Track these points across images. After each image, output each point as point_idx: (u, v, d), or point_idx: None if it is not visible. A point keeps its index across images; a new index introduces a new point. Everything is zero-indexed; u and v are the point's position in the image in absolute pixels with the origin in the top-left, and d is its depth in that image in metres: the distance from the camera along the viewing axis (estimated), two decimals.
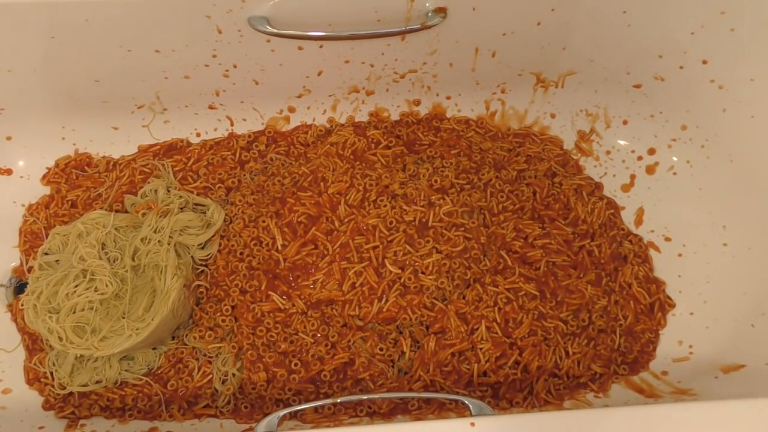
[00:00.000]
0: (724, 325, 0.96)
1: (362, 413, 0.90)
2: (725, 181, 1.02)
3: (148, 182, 1.03)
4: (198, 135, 1.10)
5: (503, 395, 0.91)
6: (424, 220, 0.94)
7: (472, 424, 0.69)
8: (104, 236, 0.93)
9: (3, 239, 1.02)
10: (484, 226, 0.98)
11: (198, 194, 1.03)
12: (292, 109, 1.10)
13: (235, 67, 1.00)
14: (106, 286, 0.89)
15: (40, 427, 0.89)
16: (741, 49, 0.95)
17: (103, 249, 0.92)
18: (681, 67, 1.01)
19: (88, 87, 1.00)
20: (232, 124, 1.10)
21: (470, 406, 0.78)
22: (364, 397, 0.88)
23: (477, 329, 0.91)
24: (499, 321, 0.92)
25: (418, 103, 1.11)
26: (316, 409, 0.90)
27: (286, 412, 0.82)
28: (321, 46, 0.98)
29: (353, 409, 0.90)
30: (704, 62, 0.99)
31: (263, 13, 0.92)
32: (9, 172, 1.05)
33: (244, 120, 1.10)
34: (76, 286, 0.89)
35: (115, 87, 1.01)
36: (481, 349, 0.91)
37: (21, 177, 1.05)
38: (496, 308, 0.92)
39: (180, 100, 1.06)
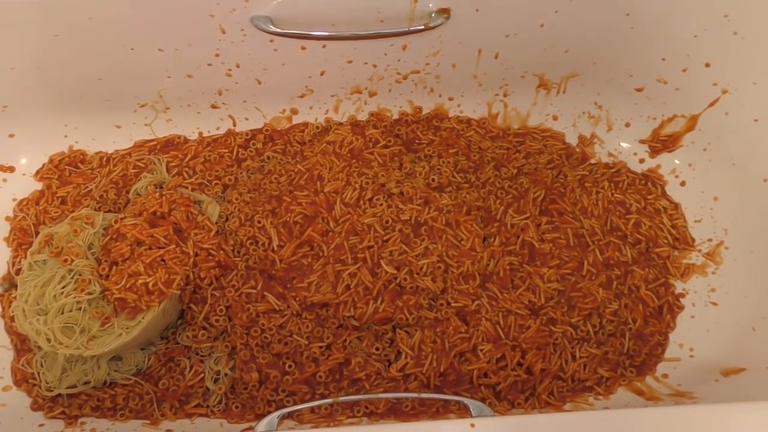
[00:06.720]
0: (724, 329, 0.96)
1: (359, 413, 0.90)
2: (727, 184, 1.02)
3: (140, 178, 1.02)
4: (200, 134, 1.10)
5: (505, 396, 0.91)
6: (420, 219, 0.94)
7: (472, 425, 0.69)
8: (92, 236, 0.91)
9: (3, 236, 1.02)
10: (484, 223, 0.97)
11: (193, 190, 1.02)
12: (294, 111, 1.10)
13: (238, 66, 1.00)
14: (93, 286, 0.88)
15: (41, 425, 0.89)
16: (744, 53, 0.95)
17: (90, 249, 0.91)
18: (684, 70, 1.01)
19: (91, 85, 1.00)
20: (234, 124, 1.10)
21: (470, 407, 0.78)
22: (365, 397, 0.88)
23: (478, 330, 0.91)
24: (502, 324, 0.91)
25: (420, 109, 1.11)
26: (312, 409, 0.89)
27: (287, 411, 0.81)
28: (324, 46, 0.98)
29: (350, 409, 0.90)
30: (707, 65, 0.99)
31: (266, 13, 0.92)
32: (11, 169, 1.05)
33: (247, 119, 1.10)
34: (63, 287, 0.87)
35: (117, 85, 1.01)
36: (481, 350, 0.91)
37: (23, 174, 1.05)
38: (501, 313, 0.92)
39: (183, 99, 1.06)
